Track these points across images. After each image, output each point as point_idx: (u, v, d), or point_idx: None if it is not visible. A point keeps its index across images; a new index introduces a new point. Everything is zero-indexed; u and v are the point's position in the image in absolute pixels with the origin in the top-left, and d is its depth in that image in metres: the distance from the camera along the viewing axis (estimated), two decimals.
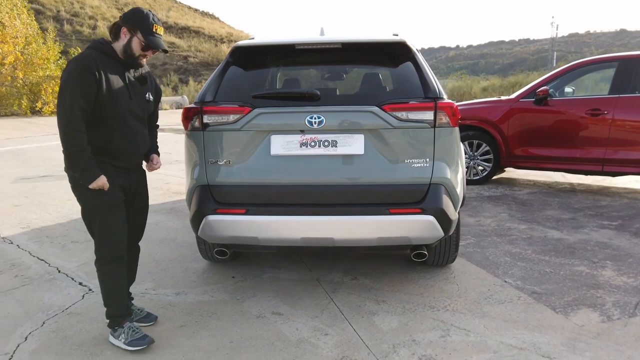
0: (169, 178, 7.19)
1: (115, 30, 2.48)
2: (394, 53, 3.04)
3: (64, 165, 2.47)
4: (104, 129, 2.44)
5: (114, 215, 2.50)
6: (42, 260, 3.92)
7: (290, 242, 2.90)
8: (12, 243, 4.37)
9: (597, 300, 3.09)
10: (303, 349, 2.57)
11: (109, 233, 2.50)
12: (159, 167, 2.83)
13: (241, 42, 3.08)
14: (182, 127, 2.99)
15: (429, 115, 2.76)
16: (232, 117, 2.83)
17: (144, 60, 2.53)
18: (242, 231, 2.87)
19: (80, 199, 2.52)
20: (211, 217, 2.86)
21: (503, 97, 6.69)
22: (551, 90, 6.08)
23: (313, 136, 2.79)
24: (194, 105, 2.91)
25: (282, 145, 2.82)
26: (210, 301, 3.15)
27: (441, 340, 2.63)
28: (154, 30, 2.45)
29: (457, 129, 2.89)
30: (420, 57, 3.01)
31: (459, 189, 2.95)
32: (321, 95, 2.81)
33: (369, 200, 2.81)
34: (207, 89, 2.96)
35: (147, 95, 2.64)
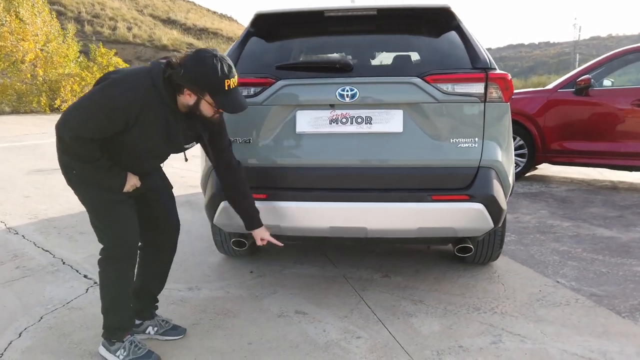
0: (184, 172, 6.91)
1: (173, 84, 1.92)
2: (436, 20, 2.68)
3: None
4: (116, 154, 2.02)
5: (119, 209, 2.08)
6: (46, 251, 3.65)
7: (317, 232, 2.56)
8: (17, 233, 4.11)
9: None
10: (332, 353, 2.22)
11: (113, 227, 2.08)
12: (267, 239, 2.41)
13: (264, 10, 2.76)
14: None
15: (478, 88, 2.40)
16: (252, 90, 2.50)
17: (219, 116, 2.07)
18: (263, 218, 2.51)
19: (79, 194, 2.10)
20: (228, 203, 2.53)
21: (539, 88, 6.26)
22: (592, 80, 5.64)
23: (344, 112, 2.45)
24: None
25: (309, 122, 2.48)
26: (226, 297, 2.83)
27: (493, 347, 2.26)
28: (226, 88, 1.90)
29: (509, 105, 2.52)
30: (466, 26, 2.65)
31: (510, 175, 2.58)
32: (354, 66, 2.47)
33: (408, 185, 2.45)
34: None
35: (189, 145, 2.16)
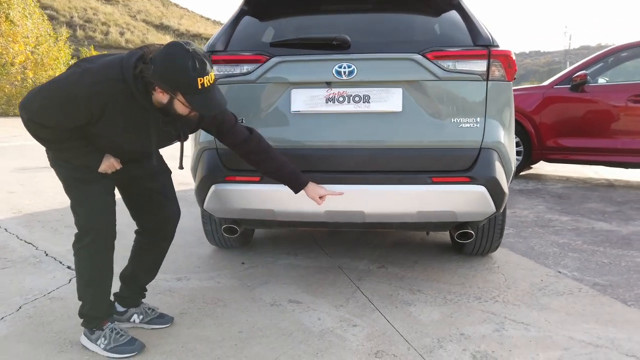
0: (174, 169, 6.79)
1: (145, 82, 1.74)
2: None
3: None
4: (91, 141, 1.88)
5: (92, 189, 1.92)
6: (29, 243, 3.50)
7: (312, 217, 2.45)
8: None
9: None
10: (328, 341, 2.10)
11: (84, 208, 1.92)
12: (324, 195, 2.23)
13: None
14: None
15: (481, 66, 2.31)
16: (245, 68, 2.40)
17: (197, 115, 1.88)
18: (256, 203, 2.42)
19: (55, 171, 1.98)
20: (219, 186, 2.42)
21: (535, 85, 6.21)
22: (589, 76, 5.60)
23: (342, 90, 2.35)
24: None
25: (305, 100, 2.38)
26: (216, 287, 2.70)
27: (496, 334, 2.16)
28: (199, 86, 1.68)
29: (511, 84, 2.43)
30: (467, 4, 2.57)
31: (512, 158, 2.49)
32: (352, 43, 2.38)
33: (408, 167, 2.35)
34: (217, 39, 2.53)
35: (174, 134, 1.96)
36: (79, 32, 46.80)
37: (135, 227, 2.23)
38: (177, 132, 1.95)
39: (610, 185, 5.91)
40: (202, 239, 3.42)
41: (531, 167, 7.00)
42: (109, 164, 1.92)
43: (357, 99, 2.34)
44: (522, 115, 5.88)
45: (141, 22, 58.61)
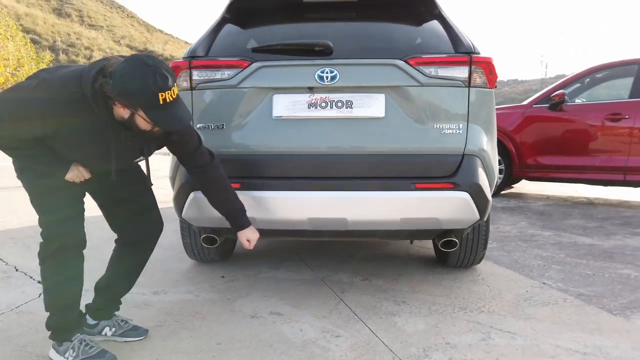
0: (157, 190, 6.66)
1: (105, 96, 1.65)
2: (418, 8, 2.63)
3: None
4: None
5: (58, 197, 1.83)
6: None
7: (295, 224, 2.39)
8: None
9: None
10: (310, 352, 2.02)
11: (52, 213, 1.82)
12: (255, 240, 2.20)
13: None
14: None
15: (462, 72, 2.32)
16: (226, 73, 2.37)
17: (159, 130, 1.75)
18: None
19: (23, 180, 1.86)
20: (199, 193, 2.33)
21: (514, 104, 6.32)
22: (567, 95, 5.71)
23: (324, 95, 2.33)
24: (182, 60, 2.45)
25: (287, 106, 2.35)
26: (195, 300, 2.60)
27: (482, 343, 2.10)
28: (161, 102, 1.61)
29: (493, 92, 2.45)
30: (448, 14, 2.60)
31: (495, 165, 2.48)
32: (334, 49, 2.37)
33: (391, 173, 2.32)
34: (198, 45, 2.50)
35: (138, 150, 1.89)
36: (62, 57, 46.65)
37: (115, 238, 2.15)
38: (141, 147, 1.88)
39: (590, 203, 5.97)
40: (181, 253, 3.32)
41: (512, 187, 7.06)
42: (77, 173, 1.82)
43: (339, 104, 2.32)
44: (503, 134, 5.95)
45: (125, 47, 58.72)
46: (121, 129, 1.75)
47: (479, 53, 2.37)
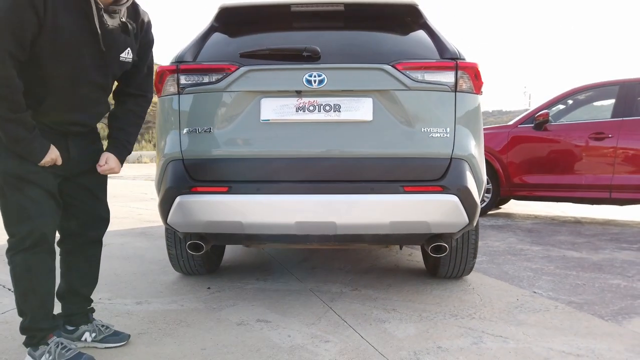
0: (142, 211, 6.57)
1: None
2: (404, 17, 2.68)
3: None
4: (37, 92, 1.74)
5: (29, 188, 1.75)
6: None
7: (283, 228, 2.35)
8: None
9: None
10: (298, 356, 1.96)
11: (24, 205, 1.74)
12: (109, 171, 2.00)
13: (228, 3, 2.69)
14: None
15: (449, 77, 2.35)
16: (214, 77, 2.37)
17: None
18: (223, 214, 2.32)
19: None
20: (184, 197, 2.31)
21: (500, 125, 6.41)
22: (551, 116, 5.81)
23: (312, 99, 2.34)
24: (170, 65, 2.45)
25: (275, 109, 2.34)
26: (179, 310, 2.53)
27: (474, 347, 2.06)
28: None
29: (479, 97, 2.47)
30: (434, 23, 2.65)
31: (482, 170, 2.49)
32: (322, 54, 2.39)
33: (380, 177, 2.31)
34: (186, 50, 2.51)
35: (124, 53, 1.88)
36: None
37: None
38: (126, 47, 1.87)
39: (577, 221, 6.00)
40: (166, 267, 3.25)
41: (500, 208, 7.09)
42: (53, 157, 1.76)
43: (327, 107, 2.33)
44: (490, 153, 6.00)
45: None
46: (104, 20, 1.74)
47: (464, 59, 2.40)
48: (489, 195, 6.11)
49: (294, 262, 3.54)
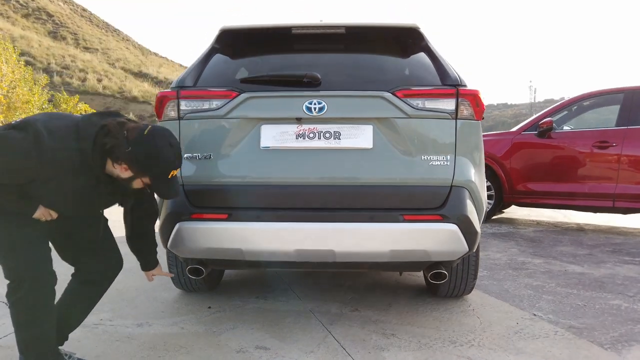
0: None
1: (112, 156, 1.74)
2: (405, 40, 2.66)
3: None
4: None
5: (27, 232, 1.80)
6: None
7: (282, 256, 2.36)
8: None
9: None
10: None
11: (20, 252, 1.78)
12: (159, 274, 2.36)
13: (230, 25, 2.68)
14: None
15: (449, 105, 2.34)
16: (215, 103, 2.37)
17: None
18: (223, 241, 2.33)
19: None
20: (185, 224, 2.32)
21: (503, 131, 6.38)
22: (554, 123, 5.77)
23: (312, 126, 2.33)
24: (170, 90, 2.45)
25: (275, 136, 2.34)
26: (180, 333, 2.54)
27: None
28: (169, 176, 1.81)
29: (480, 123, 2.46)
30: (435, 47, 2.63)
31: (483, 196, 2.48)
32: (322, 81, 2.38)
33: (379, 205, 2.31)
34: (186, 75, 2.51)
35: (108, 202, 1.99)
36: (56, 79, 46.73)
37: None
38: (119, 199, 1.98)
39: (580, 229, 5.98)
40: (167, 283, 3.26)
41: (503, 212, 7.07)
42: (45, 211, 1.81)
43: (327, 135, 2.32)
44: (492, 160, 5.99)
45: (120, 70, 58.99)
46: (104, 183, 1.82)
47: (465, 85, 2.39)
48: (491, 202, 6.10)
49: (294, 277, 3.55)
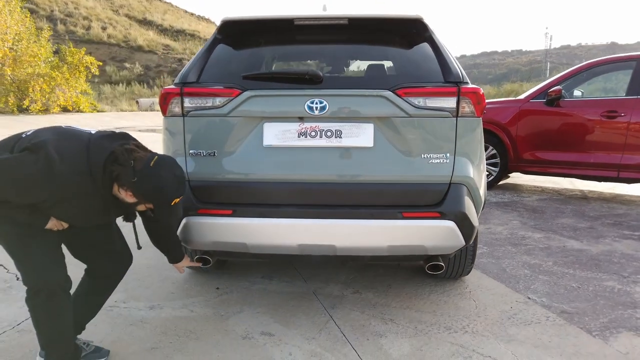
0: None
1: (118, 182, 1.82)
2: (408, 32, 2.62)
3: None
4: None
5: (39, 241, 1.90)
6: (0, 265, 3.45)
7: (285, 250, 2.46)
8: None
9: (638, 322, 2.67)
10: None
11: (33, 262, 1.89)
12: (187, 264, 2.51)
13: (232, 16, 2.65)
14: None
15: (450, 103, 2.34)
16: (218, 101, 2.40)
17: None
18: (228, 236, 2.42)
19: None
20: (191, 219, 2.41)
21: (511, 98, 6.30)
22: (564, 91, 5.69)
23: (314, 125, 2.36)
24: (174, 86, 2.47)
25: (277, 134, 2.38)
26: (189, 317, 2.70)
27: None
28: (172, 204, 1.91)
29: (481, 119, 2.47)
30: (439, 38, 2.60)
31: (482, 191, 2.53)
32: (324, 78, 2.39)
33: (379, 202, 2.38)
34: (190, 69, 2.52)
35: (115, 215, 2.08)
36: (60, 27, 45.86)
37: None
38: (125, 215, 2.07)
39: (584, 197, 6.03)
40: None
41: (509, 176, 7.10)
42: (56, 222, 1.90)
43: (329, 133, 2.36)
44: (499, 127, 5.97)
45: (124, 17, 57.63)
46: (112, 203, 1.91)
47: (467, 83, 2.38)
48: (497, 170, 6.13)
49: (299, 257, 3.67)
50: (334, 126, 2.35)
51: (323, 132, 2.36)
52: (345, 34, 2.66)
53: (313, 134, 2.36)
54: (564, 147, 5.65)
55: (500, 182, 6.69)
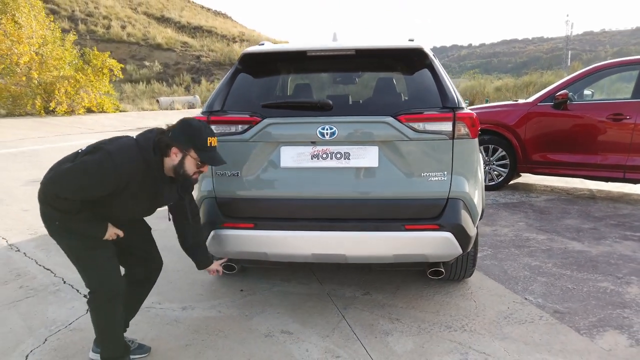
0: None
1: (162, 147, 2.20)
2: (410, 60, 2.90)
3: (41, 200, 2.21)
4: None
5: (100, 254, 2.26)
6: (47, 269, 3.85)
7: (301, 258, 2.78)
8: (19, 251, 4.31)
9: (624, 321, 2.92)
10: None
11: (98, 273, 2.27)
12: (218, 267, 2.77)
13: (251, 49, 2.97)
14: None
15: (447, 127, 2.62)
16: (240, 128, 2.72)
17: (198, 175, 2.34)
18: (250, 246, 2.75)
19: (61, 243, 2.27)
20: (218, 231, 2.75)
21: (520, 101, 6.49)
22: (570, 94, 5.88)
23: (325, 148, 2.67)
24: (202, 115, 2.80)
25: (293, 157, 2.69)
26: (218, 317, 3.04)
27: None
28: (208, 144, 2.23)
29: (476, 140, 2.74)
30: (438, 64, 2.87)
31: (478, 203, 2.80)
32: (333, 105, 2.68)
33: (383, 216, 2.67)
34: (215, 98, 2.85)
35: (169, 200, 2.43)
36: (81, 27, 46.79)
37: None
38: (177, 197, 2.41)
39: (592, 196, 6.21)
40: None
41: (520, 175, 7.28)
42: (113, 232, 2.27)
43: (338, 155, 2.66)
44: (508, 130, 6.19)
45: (142, 15, 58.44)
46: (168, 183, 2.28)
47: (463, 108, 2.65)
48: (506, 171, 6.35)
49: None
50: (342, 149, 2.65)
51: (333, 154, 2.66)
52: (353, 62, 2.95)
53: (324, 156, 2.66)
54: (571, 149, 5.84)
55: (512, 182, 6.90)
